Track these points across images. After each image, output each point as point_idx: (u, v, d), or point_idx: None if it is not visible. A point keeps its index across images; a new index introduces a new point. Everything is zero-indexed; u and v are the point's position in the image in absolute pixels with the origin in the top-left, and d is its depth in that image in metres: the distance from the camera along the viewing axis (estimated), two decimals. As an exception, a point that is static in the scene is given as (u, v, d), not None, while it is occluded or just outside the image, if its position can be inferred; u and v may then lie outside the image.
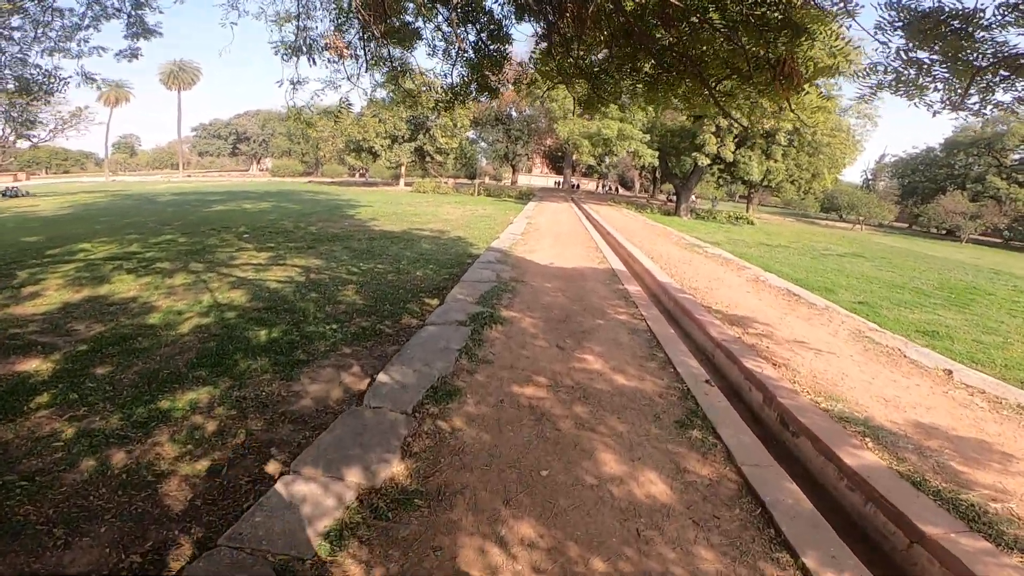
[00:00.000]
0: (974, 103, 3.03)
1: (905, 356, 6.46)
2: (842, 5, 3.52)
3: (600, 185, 66.71)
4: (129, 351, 5.40)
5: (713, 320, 6.85)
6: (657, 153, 27.90)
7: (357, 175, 62.99)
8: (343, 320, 6.44)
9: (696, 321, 6.76)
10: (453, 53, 5.87)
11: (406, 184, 43.33)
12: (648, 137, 27.39)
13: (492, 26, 5.88)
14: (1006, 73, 2.82)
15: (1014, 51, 2.72)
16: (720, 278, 9.84)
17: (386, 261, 10.01)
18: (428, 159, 41.34)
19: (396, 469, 3.23)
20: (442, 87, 5.86)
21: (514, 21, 5.92)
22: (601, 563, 2.66)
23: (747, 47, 4.03)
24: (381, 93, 7.60)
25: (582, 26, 5.01)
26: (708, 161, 26.30)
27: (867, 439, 4.19)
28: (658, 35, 5.08)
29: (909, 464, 3.84)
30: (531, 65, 5.92)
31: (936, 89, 3.15)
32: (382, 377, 4.42)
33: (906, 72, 3.48)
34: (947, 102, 3.14)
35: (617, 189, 66.13)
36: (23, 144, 30.52)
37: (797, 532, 2.93)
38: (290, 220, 16.67)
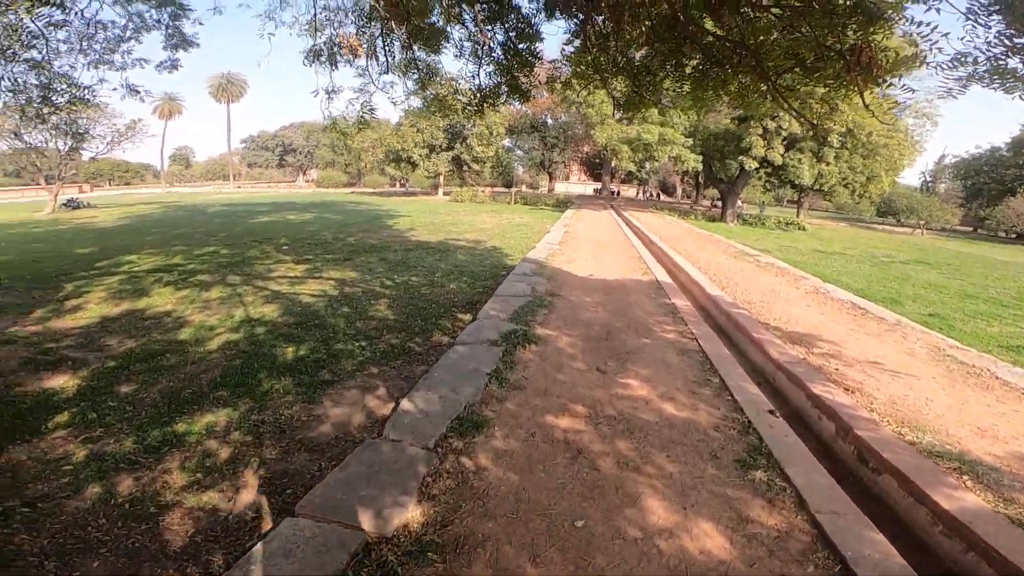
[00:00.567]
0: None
1: (996, 377, 5.69)
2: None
3: (640, 191, 65.35)
4: (155, 368, 5.29)
5: (772, 338, 6.22)
6: (700, 157, 26.90)
7: (398, 185, 63.99)
8: (373, 337, 6.18)
9: (753, 340, 6.15)
10: (481, 53, 5.54)
11: (444, 193, 43.60)
12: (691, 141, 26.44)
13: (521, 24, 5.51)
14: None
15: None
16: (776, 290, 9.11)
17: (420, 273, 9.77)
18: (465, 168, 41.47)
19: (411, 515, 2.86)
20: (471, 90, 5.52)
21: (544, 18, 5.54)
22: (654, 652, 2.20)
23: (815, 35, 3.52)
24: (416, 101, 7.37)
25: (619, 20, 4.59)
26: (755, 165, 25.14)
27: (964, 477, 3.60)
28: (706, 27, 4.61)
29: (1018, 506, 3.24)
30: (565, 64, 5.52)
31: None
32: (405, 404, 4.07)
33: (1006, 61, 2.93)
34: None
35: (658, 195, 64.65)
36: (85, 156, 32.24)
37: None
38: (330, 231, 16.78)
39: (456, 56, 5.78)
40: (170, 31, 7.97)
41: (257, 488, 3.35)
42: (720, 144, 27.38)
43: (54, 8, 4.12)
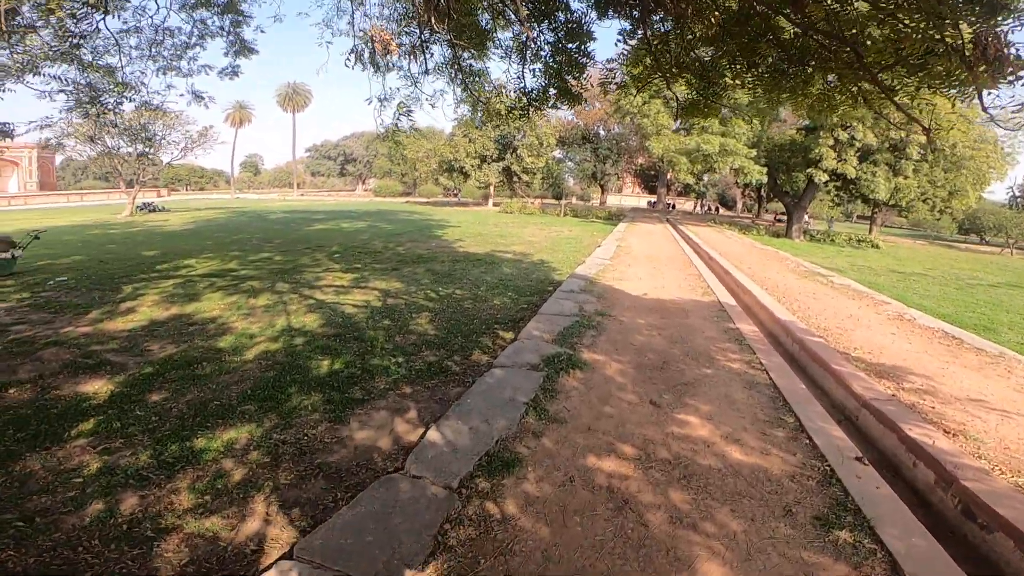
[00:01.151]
0: None
1: None
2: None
3: (698, 205, 63.30)
4: (189, 377, 5.18)
5: (855, 371, 5.47)
6: (765, 169, 25.52)
7: (451, 195, 64.87)
8: (410, 353, 5.89)
9: (833, 373, 5.43)
10: (527, 52, 5.16)
11: (494, 204, 43.68)
12: (754, 152, 25.14)
13: (570, 23, 5.10)
14: None
15: None
16: (854, 315, 8.20)
17: (465, 286, 9.48)
18: (515, 179, 41.39)
19: (422, 571, 2.46)
20: (516, 92, 5.16)
21: (595, 17, 5.10)
22: None
23: (921, 27, 2.92)
24: (464, 109, 7.11)
25: (682, 16, 4.10)
26: (825, 177, 23.57)
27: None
28: (785, 19, 4.05)
29: None
30: (619, 66, 5.06)
31: None
32: (432, 435, 3.70)
33: None
34: None
35: (717, 209, 62.34)
36: (164, 160, 34.27)
37: None
38: (381, 240, 16.90)
39: (501, 57, 5.43)
40: (232, 38, 8.15)
41: (264, 517, 3.07)
42: (786, 155, 25.94)
43: (98, 11, 4.07)
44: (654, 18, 4.64)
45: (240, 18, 7.85)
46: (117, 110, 10.65)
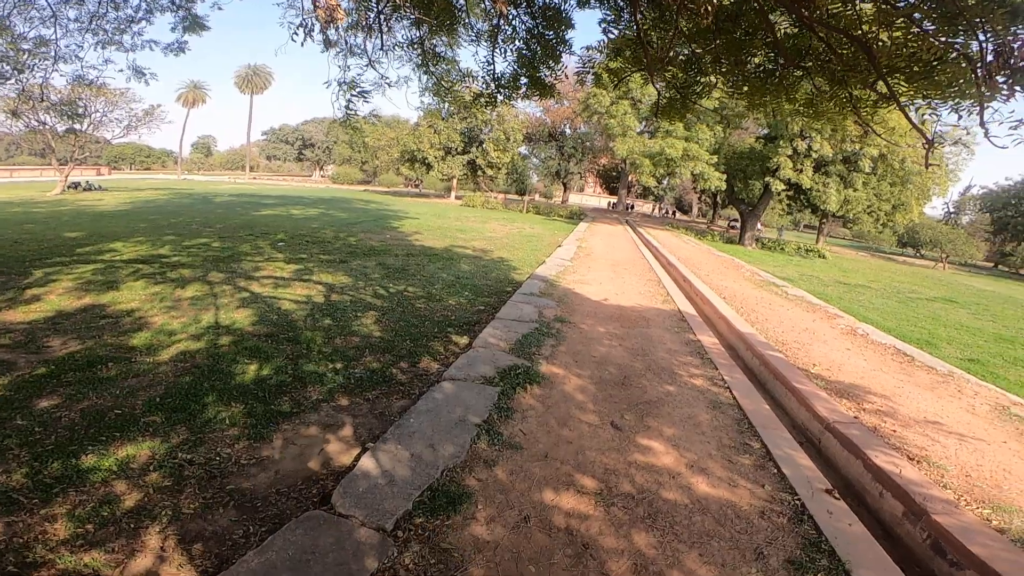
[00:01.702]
0: None
1: (1077, 446, 4.81)
2: None
3: (656, 208, 64.38)
4: (90, 380, 4.49)
5: (816, 390, 5.30)
6: (724, 176, 25.93)
7: (412, 186, 63.50)
8: (351, 358, 5.34)
9: (795, 392, 5.24)
10: (498, 32, 4.70)
11: (456, 197, 42.91)
12: (715, 159, 25.50)
13: (549, 9, 4.68)
14: None
15: None
16: (810, 329, 8.16)
17: (418, 283, 8.93)
18: (479, 173, 40.76)
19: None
20: (484, 78, 4.69)
21: (575, 4, 4.71)
22: None
23: (941, 32, 2.64)
24: (429, 97, 6.57)
25: (671, 9, 3.75)
26: (782, 186, 24.13)
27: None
28: (781, 16, 3.75)
29: None
30: (599, 57, 4.68)
31: None
32: (366, 463, 3.21)
33: None
34: None
35: (675, 213, 63.57)
36: (108, 136, 31.95)
37: None
38: (332, 229, 16.04)
39: (471, 41, 4.94)
40: (182, 12, 7.37)
41: (158, 553, 2.55)
42: (744, 163, 26.44)
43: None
44: (641, 6, 4.26)
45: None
46: (44, 84, 9.70)
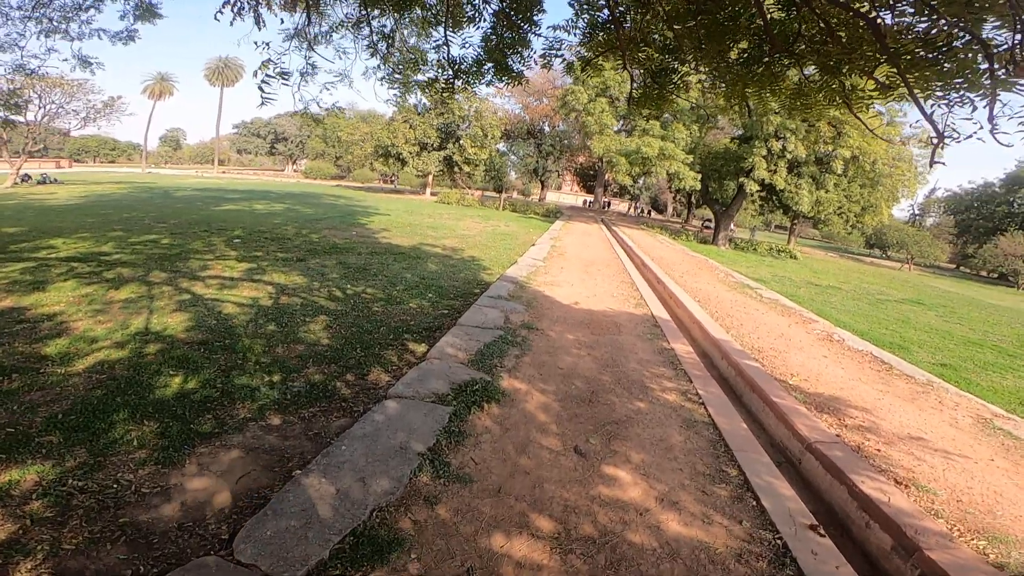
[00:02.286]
0: None
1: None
2: None
3: (632, 207, 64.56)
4: (-16, 395, 3.90)
5: (795, 404, 4.99)
6: (699, 176, 25.88)
7: (388, 181, 62.37)
8: (292, 369, 4.82)
9: (773, 407, 4.91)
10: (463, 19, 4.22)
11: (432, 194, 42.18)
12: (691, 158, 25.41)
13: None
14: None
15: None
16: (786, 334, 7.91)
17: (379, 284, 8.40)
18: (456, 169, 40.10)
19: None
20: (442, 62, 4.20)
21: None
22: None
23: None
24: (378, 84, 6.05)
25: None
26: (756, 187, 24.16)
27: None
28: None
29: None
30: (569, 43, 4.24)
31: None
32: (282, 497, 2.73)
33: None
34: None
35: (650, 212, 63.85)
36: (71, 131, 30.42)
37: None
38: (295, 225, 15.33)
39: (430, 21, 4.45)
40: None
41: None
42: (719, 164, 26.43)
43: None
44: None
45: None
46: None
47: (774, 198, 28.22)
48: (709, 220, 48.91)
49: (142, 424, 3.71)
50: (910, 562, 3.18)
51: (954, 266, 53.92)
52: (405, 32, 4.53)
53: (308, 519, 2.60)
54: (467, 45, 4.12)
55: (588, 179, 60.30)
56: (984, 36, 2.24)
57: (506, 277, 9.33)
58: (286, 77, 3.28)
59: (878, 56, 2.66)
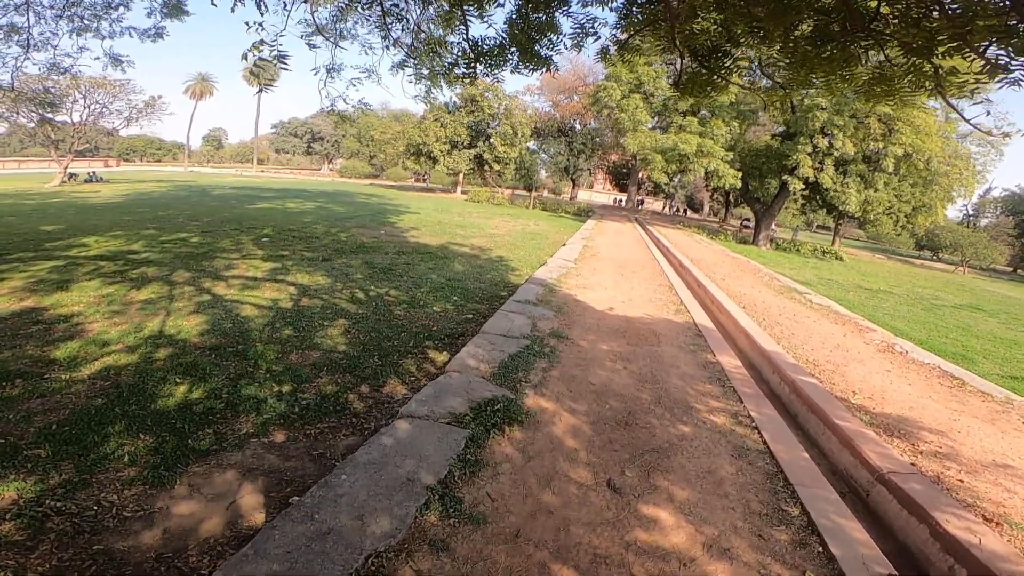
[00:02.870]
0: None
1: None
2: None
3: (667, 206, 63.07)
4: (-19, 401, 3.74)
5: (862, 428, 4.39)
6: (740, 174, 24.80)
7: (420, 180, 62.67)
8: (304, 378, 4.51)
9: (837, 431, 4.33)
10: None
11: (462, 192, 42.02)
12: (730, 155, 24.37)
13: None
14: None
15: None
16: (842, 345, 7.21)
17: (404, 285, 8.08)
18: (487, 167, 39.82)
19: None
20: (464, 43, 3.80)
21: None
22: None
23: None
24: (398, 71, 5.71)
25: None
26: (800, 185, 22.97)
27: None
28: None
29: None
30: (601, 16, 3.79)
31: None
32: (267, 535, 2.36)
33: None
34: None
35: (685, 211, 62.20)
36: (111, 127, 31.54)
37: None
38: (325, 224, 15.25)
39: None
40: None
41: None
42: (760, 161, 25.29)
43: None
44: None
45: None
46: (15, 73, 9.29)
47: (817, 197, 26.88)
48: (748, 219, 47.21)
49: (137, 438, 3.47)
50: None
51: (1011, 269, 50.63)
52: (416, 12, 4.15)
53: (292, 564, 2.23)
54: (489, 25, 3.70)
55: (621, 177, 59.19)
56: None
57: (535, 279, 8.87)
58: (284, 61, 2.93)
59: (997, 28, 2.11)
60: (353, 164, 68.91)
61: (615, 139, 39.62)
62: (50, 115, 23.06)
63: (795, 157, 22.07)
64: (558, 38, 4.24)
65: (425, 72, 4.79)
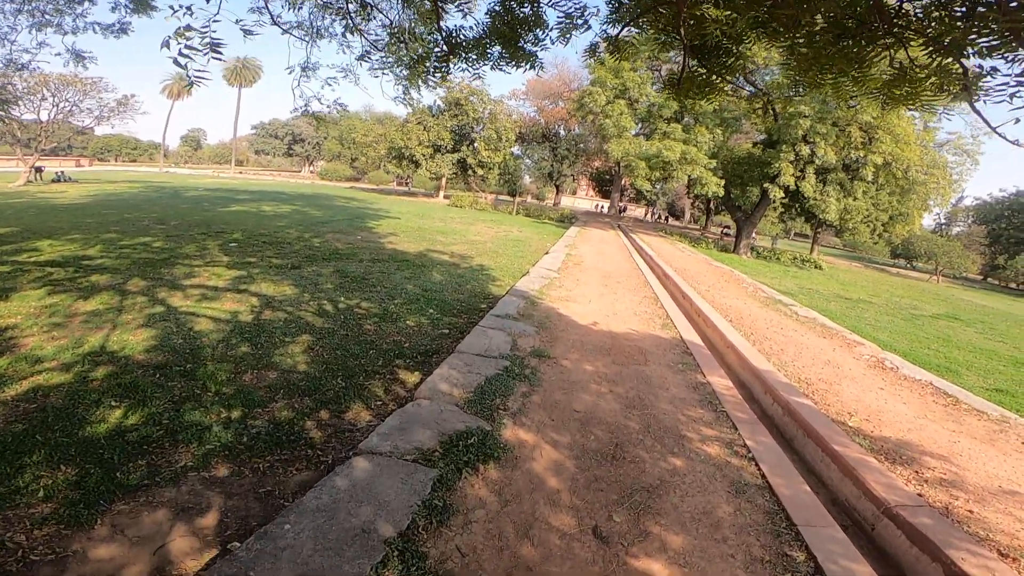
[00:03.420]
0: None
1: None
2: None
3: (649, 213, 63.28)
4: None
5: (864, 455, 4.10)
6: (723, 182, 24.79)
7: (403, 183, 61.96)
8: (256, 402, 4.07)
9: (837, 459, 4.03)
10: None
11: (445, 197, 41.54)
12: (714, 163, 24.36)
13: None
14: None
15: None
16: (832, 361, 6.97)
17: (376, 296, 7.64)
18: (470, 172, 39.42)
19: None
20: (437, 33, 3.42)
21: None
22: None
23: None
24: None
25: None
26: (781, 194, 23.03)
27: None
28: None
29: None
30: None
31: None
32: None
33: None
34: None
35: (667, 218, 62.49)
36: (77, 125, 30.47)
37: None
38: (299, 229, 14.70)
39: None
40: None
41: None
42: (742, 169, 25.34)
43: None
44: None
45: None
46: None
47: (796, 205, 27.04)
48: (728, 227, 47.57)
49: (58, 470, 3.05)
50: None
51: (982, 277, 51.86)
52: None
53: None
54: (465, 14, 3.33)
55: (604, 184, 59.31)
56: None
57: (516, 291, 8.49)
58: (218, 50, 2.52)
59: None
60: (334, 167, 67.93)
61: (599, 145, 39.58)
62: (2, 113, 22.08)
63: (777, 165, 22.12)
64: (544, 32, 3.89)
65: (391, 60, 4.39)
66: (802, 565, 2.80)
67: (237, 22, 3.36)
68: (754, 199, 27.99)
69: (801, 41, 2.78)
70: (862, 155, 22.00)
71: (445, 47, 3.34)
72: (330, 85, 8.50)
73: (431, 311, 7.10)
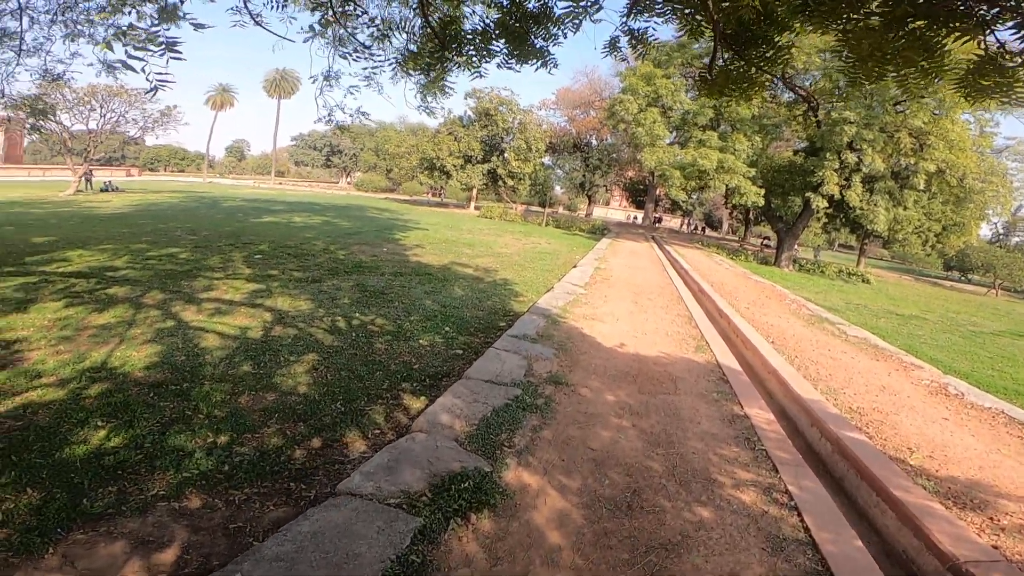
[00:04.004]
0: None
1: None
2: None
3: (685, 223, 61.84)
4: None
5: (928, 500, 3.52)
6: (763, 191, 23.79)
7: (435, 194, 62.50)
8: (247, 427, 3.80)
9: (895, 505, 3.47)
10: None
11: (476, 207, 41.52)
12: (752, 172, 23.41)
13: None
14: None
15: None
16: (888, 387, 6.28)
17: (392, 312, 7.37)
18: (500, 183, 39.30)
19: None
20: (426, 28, 3.10)
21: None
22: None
23: None
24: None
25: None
26: (824, 203, 21.91)
27: None
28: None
29: None
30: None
31: None
32: None
33: None
34: None
35: (703, 229, 60.88)
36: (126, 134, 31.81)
37: None
38: (326, 240, 14.71)
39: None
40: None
41: None
42: (783, 178, 24.30)
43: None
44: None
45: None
46: (5, 78, 9.05)
47: (841, 216, 25.72)
48: (767, 238, 45.90)
49: (24, 493, 2.87)
50: None
51: (1040, 292, 48.41)
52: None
53: None
54: (461, 2, 3.00)
55: (638, 194, 58.34)
56: None
57: (538, 308, 8.07)
58: (175, 49, 2.25)
59: None
60: (370, 177, 69.18)
61: (632, 154, 38.93)
62: (43, 122, 23.10)
63: (820, 173, 21.05)
64: (556, 28, 3.53)
65: (381, 58, 4.11)
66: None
67: (184, 17, 3.04)
68: (796, 209, 26.81)
69: (859, 29, 2.33)
70: (913, 162, 20.74)
71: (438, 41, 3.01)
72: (352, 94, 8.30)
73: (447, 329, 6.77)
